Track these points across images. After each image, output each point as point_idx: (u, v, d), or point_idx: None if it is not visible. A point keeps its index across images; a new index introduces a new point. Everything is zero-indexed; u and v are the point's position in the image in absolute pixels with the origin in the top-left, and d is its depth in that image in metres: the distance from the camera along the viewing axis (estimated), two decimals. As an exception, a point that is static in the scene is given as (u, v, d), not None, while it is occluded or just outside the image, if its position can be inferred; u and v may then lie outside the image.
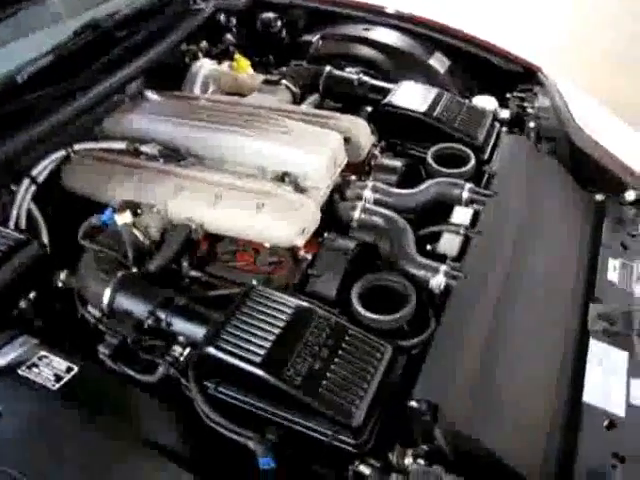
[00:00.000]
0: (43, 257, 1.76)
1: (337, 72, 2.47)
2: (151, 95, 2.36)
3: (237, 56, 2.59)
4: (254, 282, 1.79)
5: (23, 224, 2.02)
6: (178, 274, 1.85)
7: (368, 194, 1.97)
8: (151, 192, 1.89)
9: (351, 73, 2.48)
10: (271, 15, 2.81)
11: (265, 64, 2.83)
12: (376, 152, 2.16)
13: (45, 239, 1.99)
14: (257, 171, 1.95)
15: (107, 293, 1.64)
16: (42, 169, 2.08)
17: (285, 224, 1.75)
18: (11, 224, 1.99)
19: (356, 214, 1.90)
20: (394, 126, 2.29)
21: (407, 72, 2.58)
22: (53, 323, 1.73)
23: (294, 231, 1.75)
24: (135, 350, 1.57)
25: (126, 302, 1.64)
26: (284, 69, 2.48)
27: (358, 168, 2.12)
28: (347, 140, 2.03)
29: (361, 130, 2.09)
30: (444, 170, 2.07)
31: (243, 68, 2.55)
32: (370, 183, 1.99)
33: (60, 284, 1.75)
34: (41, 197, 2.09)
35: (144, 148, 2.04)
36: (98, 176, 2.02)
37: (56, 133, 2.09)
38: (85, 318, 1.70)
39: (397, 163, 2.11)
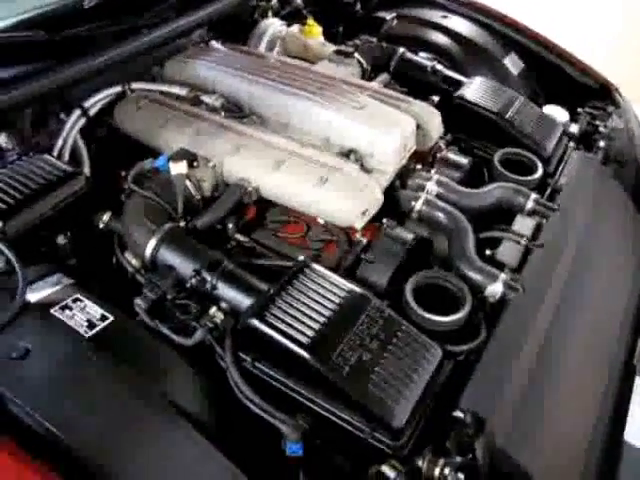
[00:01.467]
0: (88, 194, 1.66)
1: (411, 55, 2.34)
2: (216, 45, 2.24)
3: (310, 21, 2.46)
4: (301, 257, 1.71)
5: (66, 156, 1.92)
6: (223, 235, 1.74)
7: (432, 186, 1.86)
8: (209, 145, 1.78)
9: (425, 59, 2.36)
10: (347, -17, 2.68)
11: (333, 34, 2.69)
12: (442, 144, 2.05)
13: (86, 171, 1.90)
14: (322, 142, 1.83)
15: (152, 244, 1.53)
16: (95, 102, 1.98)
17: (347, 202, 1.65)
18: (54, 154, 1.90)
19: (418, 205, 1.79)
20: (463, 121, 2.16)
21: (480, 67, 2.46)
22: (88, 265, 1.64)
23: (355, 211, 1.64)
24: (173, 309, 1.48)
25: (171, 256, 1.53)
26: (357, 42, 2.35)
27: (422, 157, 2.01)
28: (417, 126, 1.92)
29: (433, 118, 1.97)
30: (510, 175, 1.96)
31: (314, 34, 2.42)
32: (435, 176, 1.87)
33: (101, 225, 1.64)
34: (90, 131, 2.01)
35: (206, 98, 1.92)
36: (153, 120, 1.91)
37: (115, 67, 1.98)
38: (122, 266, 1.61)
39: (464, 160, 2.00)
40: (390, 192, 1.84)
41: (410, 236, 1.69)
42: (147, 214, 1.60)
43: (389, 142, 1.75)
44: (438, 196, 1.84)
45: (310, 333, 1.34)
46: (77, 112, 1.93)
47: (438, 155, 2.00)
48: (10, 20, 1.89)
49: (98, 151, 1.99)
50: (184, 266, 1.52)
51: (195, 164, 1.69)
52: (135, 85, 2.00)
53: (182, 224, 1.62)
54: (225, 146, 1.77)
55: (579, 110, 2.38)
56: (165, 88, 1.99)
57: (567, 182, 2.01)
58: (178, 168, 1.64)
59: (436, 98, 2.27)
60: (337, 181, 1.66)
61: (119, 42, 1.98)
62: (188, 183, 1.68)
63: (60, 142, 1.90)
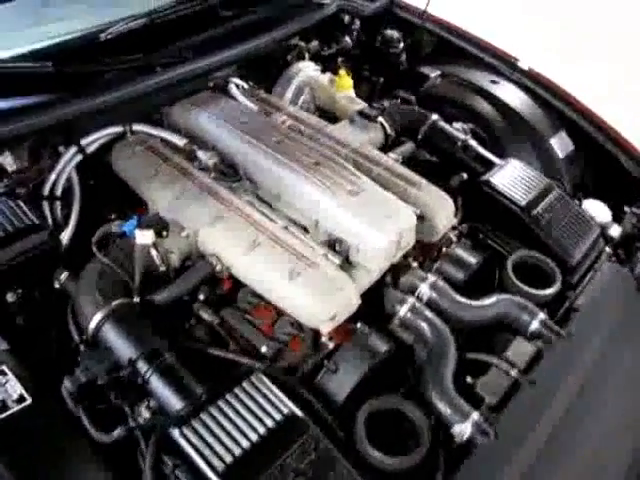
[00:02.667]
0: (51, 250, 1.58)
1: (443, 124, 2.12)
2: (235, 90, 2.11)
3: (342, 72, 2.28)
4: (263, 349, 1.58)
5: (59, 191, 1.86)
6: (188, 307, 1.63)
7: (424, 290, 1.65)
8: (188, 211, 1.66)
9: (458, 130, 2.14)
10: (396, 34, 2.47)
11: (372, 83, 2.51)
12: (452, 236, 1.84)
13: (75, 213, 1.83)
14: (310, 224, 1.67)
15: (96, 319, 1.44)
16: (93, 140, 1.89)
17: (316, 304, 1.48)
18: (46, 187, 1.83)
19: (402, 311, 1.59)
20: (486, 208, 1.95)
21: (521, 145, 2.21)
22: (37, 325, 1.56)
23: (323, 315, 1.48)
24: (102, 393, 1.37)
25: (112, 337, 1.43)
26: (385, 103, 2.16)
27: (427, 250, 1.82)
28: (421, 218, 1.72)
29: (442, 211, 1.77)
30: (521, 286, 1.73)
31: (345, 87, 2.24)
32: (431, 277, 1.67)
33: (57, 285, 1.56)
34: (86, 168, 1.93)
35: (201, 155, 1.79)
36: (144, 168, 1.81)
37: (123, 105, 1.89)
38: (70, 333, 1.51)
39: (472, 259, 1.78)
40: (378, 287, 1.67)
41: (384, 348, 1.52)
42: (100, 284, 1.50)
43: (378, 240, 1.56)
44: (429, 303, 1.64)
45: (229, 459, 1.23)
46: (73, 149, 1.85)
47: (444, 250, 1.80)
48: (20, 50, 1.84)
49: (92, 189, 1.92)
50: (122, 351, 1.41)
51: (164, 234, 1.57)
52: (136, 127, 1.91)
53: (137, 299, 1.50)
54: (203, 215, 1.64)
55: (626, 209, 2.11)
56: (165, 135, 1.88)
57: (588, 302, 1.77)
58: (144, 238, 1.53)
59: (465, 175, 2.07)
60: (309, 278, 1.50)
61: (130, 80, 1.90)
62: (154, 253, 1.56)
63: (53, 177, 1.84)
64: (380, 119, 2.06)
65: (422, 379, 1.53)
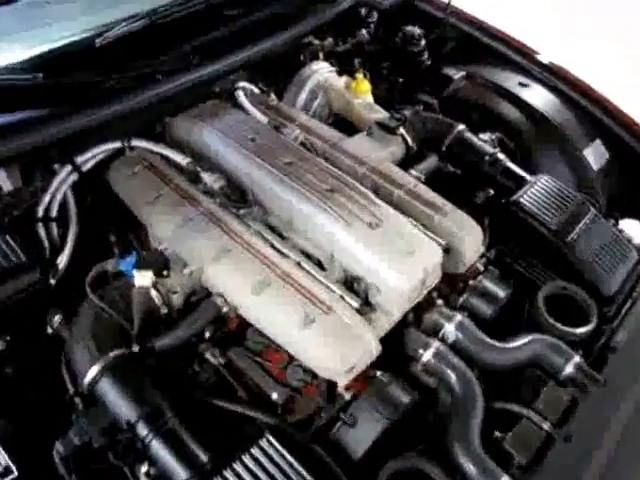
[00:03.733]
0: (41, 292, 1.44)
1: (469, 136, 1.94)
2: (242, 97, 1.93)
3: (359, 76, 2.09)
4: (274, 396, 1.44)
5: (54, 212, 1.71)
6: (193, 347, 1.49)
7: (450, 330, 1.50)
8: (192, 244, 1.51)
9: (486, 142, 1.96)
10: (417, 31, 2.26)
11: (391, 83, 2.32)
12: (479, 265, 1.68)
13: (72, 235, 1.68)
14: (326, 258, 1.52)
15: (92, 373, 1.31)
16: (89, 158, 1.74)
17: (333, 355, 1.33)
18: (40, 209, 1.69)
19: (425, 356, 1.45)
20: (514, 231, 1.79)
21: (552, 156, 2.03)
22: (28, 376, 1.42)
23: (339, 367, 1.33)
24: (98, 457, 1.25)
25: (109, 394, 1.30)
26: (406, 112, 1.97)
27: (451, 281, 1.66)
28: (447, 251, 1.56)
29: (470, 240, 1.60)
30: (553, 324, 1.58)
31: (362, 92, 2.05)
32: (457, 317, 1.52)
33: (50, 330, 1.42)
34: (83, 187, 1.78)
35: (206, 177, 1.63)
36: (144, 192, 1.65)
37: (122, 119, 1.73)
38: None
39: (500, 293, 1.62)
40: (399, 325, 1.52)
41: (406, 400, 1.38)
42: (96, 331, 1.36)
43: (400, 281, 1.40)
44: (455, 345, 1.50)
45: None
46: (67, 168, 1.70)
47: (470, 282, 1.64)
48: (6, 59, 1.66)
49: (91, 208, 1.77)
50: (120, 410, 1.28)
51: (165, 273, 1.43)
52: (136, 143, 1.74)
53: (136, 348, 1.37)
54: (208, 249, 1.48)
55: (667, 227, 1.94)
56: (167, 153, 1.72)
57: (627, 340, 1.61)
58: (143, 280, 1.39)
59: (491, 191, 1.90)
60: (325, 325, 1.35)
61: (129, 91, 1.73)
62: (154, 294, 1.42)
63: (47, 198, 1.69)
64: (401, 130, 1.89)
65: (446, 433, 1.40)
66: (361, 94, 2.03)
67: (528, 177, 1.86)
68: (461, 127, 1.95)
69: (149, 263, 1.42)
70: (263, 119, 1.87)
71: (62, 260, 1.63)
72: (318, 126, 1.92)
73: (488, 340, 1.52)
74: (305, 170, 1.60)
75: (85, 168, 1.74)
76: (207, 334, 1.49)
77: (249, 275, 1.44)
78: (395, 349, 1.52)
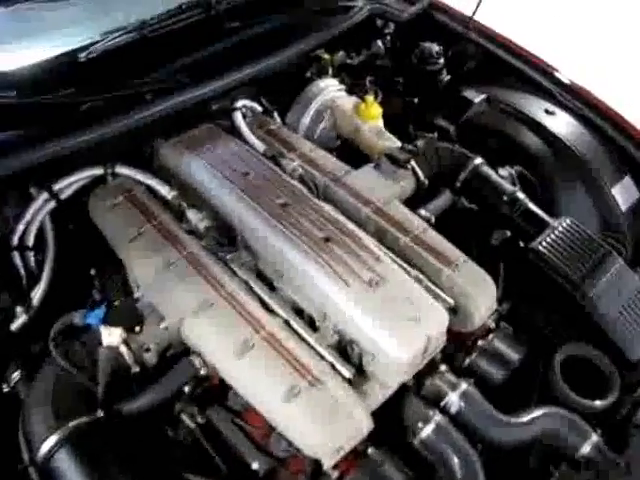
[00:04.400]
0: None
1: (487, 171, 1.74)
2: (239, 120, 1.75)
3: (369, 98, 1.89)
4: (255, 465, 1.29)
5: (30, 242, 1.56)
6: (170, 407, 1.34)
7: (453, 400, 1.33)
8: (171, 294, 1.35)
9: (505, 178, 1.76)
10: (435, 47, 2.05)
11: (405, 103, 2.12)
12: (491, 323, 1.51)
13: (49, 268, 1.53)
14: (318, 315, 1.36)
15: (48, 444, 1.15)
16: (68, 184, 1.58)
17: (316, 433, 1.18)
18: (14, 238, 1.54)
19: (425, 431, 1.28)
20: (531, 282, 1.61)
21: (577, 194, 1.83)
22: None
23: (325, 447, 1.17)
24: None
25: (66, 470, 1.15)
26: (420, 143, 1.78)
27: (459, 339, 1.48)
28: (454, 310, 1.39)
29: (482, 299, 1.42)
30: (569, 394, 1.40)
31: (372, 117, 1.86)
32: (463, 386, 1.35)
33: (6, 388, 1.27)
34: (62, 215, 1.63)
35: (191, 215, 1.47)
36: (124, 228, 1.49)
37: (106, 143, 1.57)
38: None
39: (513, 355, 1.45)
40: (398, 391, 1.35)
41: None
42: (57, 395, 1.21)
43: (399, 352, 1.23)
44: (458, 416, 1.33)
45: None
46: (44, 195, 1.54)
47: (480, 343, 1.47)
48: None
49: (71, 237, 1.62)
50: (78, 490, 1.14)
51: (137, 329, 1.27)
52: (119, 170, 1.58)
53: (101, 413, 1.21)
54: (189, 300, 1.32)
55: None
56: (152, 183, 1.56)
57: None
58: (110, 338, 1.23)
59: (508, 233, 1.72)
60: (312, 399, 1.19)
61: (114, 112, 1.56)
62: (124, 351, 1.26)
63: (21, 227, 1.54)
64: (412, 164, 1.70)
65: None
66: (371, 119, 1.85)
67: (549, 220, 1.67)
68: (478, 161, 1.75)
69: (119, 318, 1.27)
70: (260, 147, 1.69)
71: (36, 297, 1.48)
72: (321, 156, 1.74)
73: (495, 414, 1.35)
74: (300, 213, 1.43)
75: (64, 195, 1.59)
76: (186, 389, 1.34)
77: (231, 334, 1.28)
78: (391, 417, 1.37)
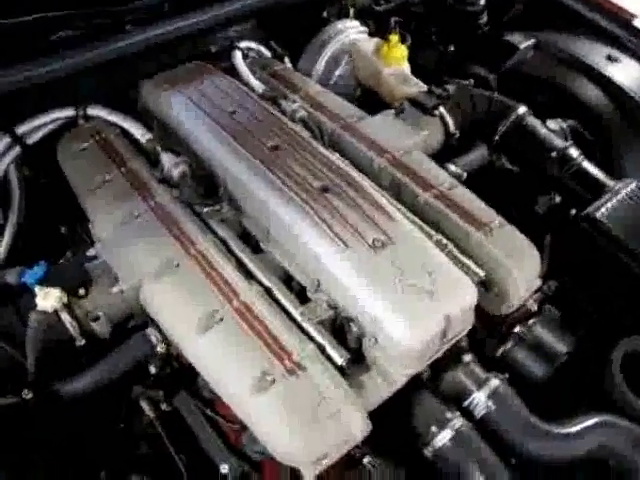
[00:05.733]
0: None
1: (533, 122, 1.38)
2: (238, 58, 1.44)
3: (393, 38, 1.54)
4: (224, 469, 1.00)
5: (-6, 191, 1.31)
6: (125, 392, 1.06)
7: (480, 400, 1.01)
8: (130, 251, 1.05)
9: (555, 132, 1.41)
10: (476, -14, 1.71)
11: (440, 53, 1.77)
12: (532, 305, 1.16)
13: (13, 222, 1.28)
14: (310, 283, 1.03)
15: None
16: (34, 128, 1.31)
17: (292, 434, 0.85)
18: None
19: (440, 439, 0.96)
20: (584, 257, 1.25)
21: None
22: None
23: (303, 452, 0.86)
24: None
25: None
26: (450, 87, 1.42)
27: (488, 322, 1.14)
28: (486, 285, 1.06)
29: (522, 272, 1.07)
30: (632, 399, 1.05)
31: (396, 59, 1.52)
32: (493, 382, 1.01)
33: None
34: (31, 162, 1.36)
35: (165, 158, 1.17)
36: (89, 175, 1.20)
37: (78, 77, 1.29)
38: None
39: (559, 347, 1.10)
40: (408, 388, 1.03)
41: None
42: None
43: (409, 334, 0.90)
44: (484, 422, 1.00)
45: None
46: (6, 139, 1.28)
47: (517, 329, 1.13)
48: None
49: (40, 189, 1.35)
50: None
51: (81, 292, 0.99)
52: (92, 111, 1.30)
53: (30, 395, 0.94)
54: (150, 259, 1.02)
55: None
56: (126, 125, 1.26)
57: None
58: (45, 301, 0.95)
59: (556, 198, 1.36)
60: (290, 390, 0.87)
61: (90, 43, 1.28)
62: (65, 318, 0.98)
63: None
64: (440, 111, 1.36)
65: None
66: (394, 62, 1.51)
67: (609, 183, 1.31)
68: (522, 110, 1.39)
69: (59, 277, 0.99)
70: (258, 88, 1.38)
71: (-1, 253, 1.23)
72: (331, 99, 1.41)
73: (534, 421, 1.01)
74: (294, 159, 1.10)
75: (31, 140, 1.32)
76: (152, 369, 1.06)
77: (196, 303, 0.97)
78: (397, 418, 1.04)
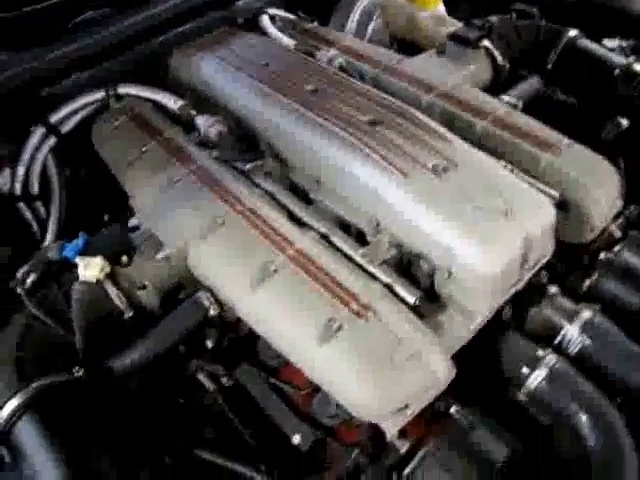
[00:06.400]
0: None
1: (588, 43, 1.26)
2: (266, 22, 1.36)
3: (424, -20, 1.46)
4: (296, 439, 0.90)
5: (35, 186, 1.25)
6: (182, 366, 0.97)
7: (573, 335, 0.88)
8: (174, 215, 0.97)
9: (615, 52, 1.27)
10: None
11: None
12: (616, 231, 1.03)
13: (55, 217, 1.23)
14: (368, 226, 0.94)
15: (8, 408, 0.81)
16: (67, 114, 1.25)
17: (365, 386, 0.75)
18: (17, 187, 1.23)
19: (533, 380, 0.83)
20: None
21: None
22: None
23: (381, 406, 0.76)
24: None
25: (25, 444, 0.81)
26: (493, 18, 1.32)
27: (570, 254, 1.02)
28: (564, 208, 0.93)
29: (601, 190, 0.95)
30: None
31: (428, 1, 1.42)
32: (585, 313, 0.89)
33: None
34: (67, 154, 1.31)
35: (200, 122, 1.09)
36: (125, 150, 1.13)
37: (102, 56, 1.24)
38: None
39: (654, 270, 0.98)
40: (491, 329, 0.91)
41: (500, 455, 0.78)
42: (23, 351, 0.87)
43: (486, 260, 0.79)
44: (581, 358, 0.87)
45: None
46: (40, 130, 1.22)
47: (602, 256, 1.00)
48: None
49: (80, 180, 1.30)
50: (40, 468, 0.79)
51: (124, 260, 0.91)
52: (122, 89, 1.22)
53: (80, 372, 0.86)
54: (195, 220, 0.94)
55: None
56: (157, 97, 1.19)
57: None
58: (87, 271, 0.88)
59: (624, 122, 1.22)
60: (358, 336, 0.77)
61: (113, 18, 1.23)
62: (112, 291, 0.90)
63: (21, 170, 1.23)
64: (485, 43, 1.24)
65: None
66: (429, 4, 1.40)
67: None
68: (574, 32, 1.25)
69: (101, 246, 0.92)
70: (290, 43, 1.29)
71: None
72: (368, 47, 1.31)
73: (638, 350, 0.88)
74: (337, 98, 1.00)
75: (67, 129, 1.27)
76: (209, 343, 0.97)
77: (248, 258, 0.88)
78: (483, 361, 0.93)
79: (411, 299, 0.82)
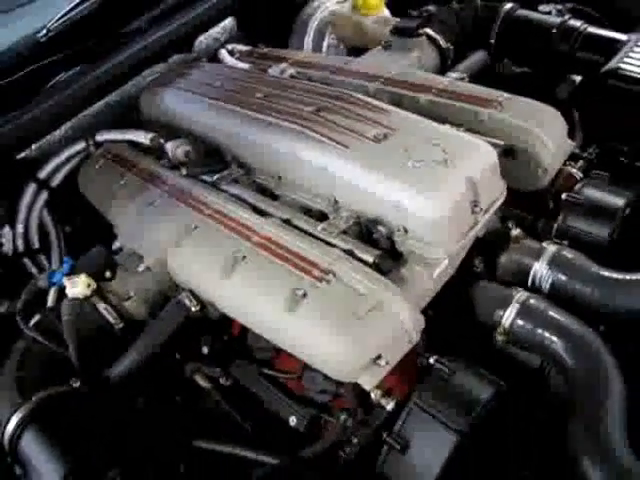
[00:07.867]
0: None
1: (524, 12, 1.29)
2: (224, 53, 1.43)
3: (364, -14, 1.52)
4: (292, 420, 0.90)
5: (35, 241, 1.31)
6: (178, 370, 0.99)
7: (542, 271, 0.87)
8: (152, 229, 1.00)
9: (549, 15, 1.29)
10: None
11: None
12: (575, 171, 1.03)
13: (56, 262, 1.29)
14: (328, 206, 0.95)
15: (13, 422, 0.83)
16: (54, 168, 1.31)
17: (333, 343, 0.76)
18: (19, 243, 1.29)
19: (506, 318, 0.83)
20: (620, 114, 1.10)
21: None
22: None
23: (353, 359, 0.75)
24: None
25: (31, 454, 0.82)
26: (430, 7, 1.37)
27: (533, 202, 1.02)
28: (510, 153, 0.94)
29: (546, 133, 0.96)
30: None
31: (371, 7, 1.46)
32: (550, 248, 0.89)
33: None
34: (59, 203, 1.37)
35: (168, 147, 1.14)
36: (107, 185, 1.18)
37: (78, 109, 1.31)
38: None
39: (616, 200, 0.95)
40: (461, 280, 0.91)
41: (485, 395, 0.77)
42: (22, 368, 0.90)
43: (433, 205, 0.80)
44: (556, 293, 0.86)
45: None
46: (32, 186, 1.29)
47: (564, 197, 0.99)
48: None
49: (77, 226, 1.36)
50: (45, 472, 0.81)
51: (107, 275, 0.95)
52: (99, 137, 1.29)
53: (77, 383, 0.89)
54: (170, 231, 0.97)
55: None
56: (130, 136, 1.25)
57: None
58: (74, 288, 0.91)
59: (577, 79, 1.23)
60: (322, 298, 0.78)
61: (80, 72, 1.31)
62: (100, 305, 0.94)
63: (20, 228, 1.30)
64: (426, 30, 1.28)
65: (568, 438, 0.76)
66: (372, 10, 1.45)
67: (622, 37, 1.17)
68: (509, 5, 1.29)
69: (85, 266, 0.95)
70: (244, 66, 1.34)
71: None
72: (320, 57, 1.37)
73: (610, 272, 0.86)
74: (284, 99, 1.04)
75: (56, 182, 1.34)
76: (205, 349, 0.99)
77: (218, 252, 0.90)
78: (460, 319, 0.92)
79: (370, 257, 0.83)
